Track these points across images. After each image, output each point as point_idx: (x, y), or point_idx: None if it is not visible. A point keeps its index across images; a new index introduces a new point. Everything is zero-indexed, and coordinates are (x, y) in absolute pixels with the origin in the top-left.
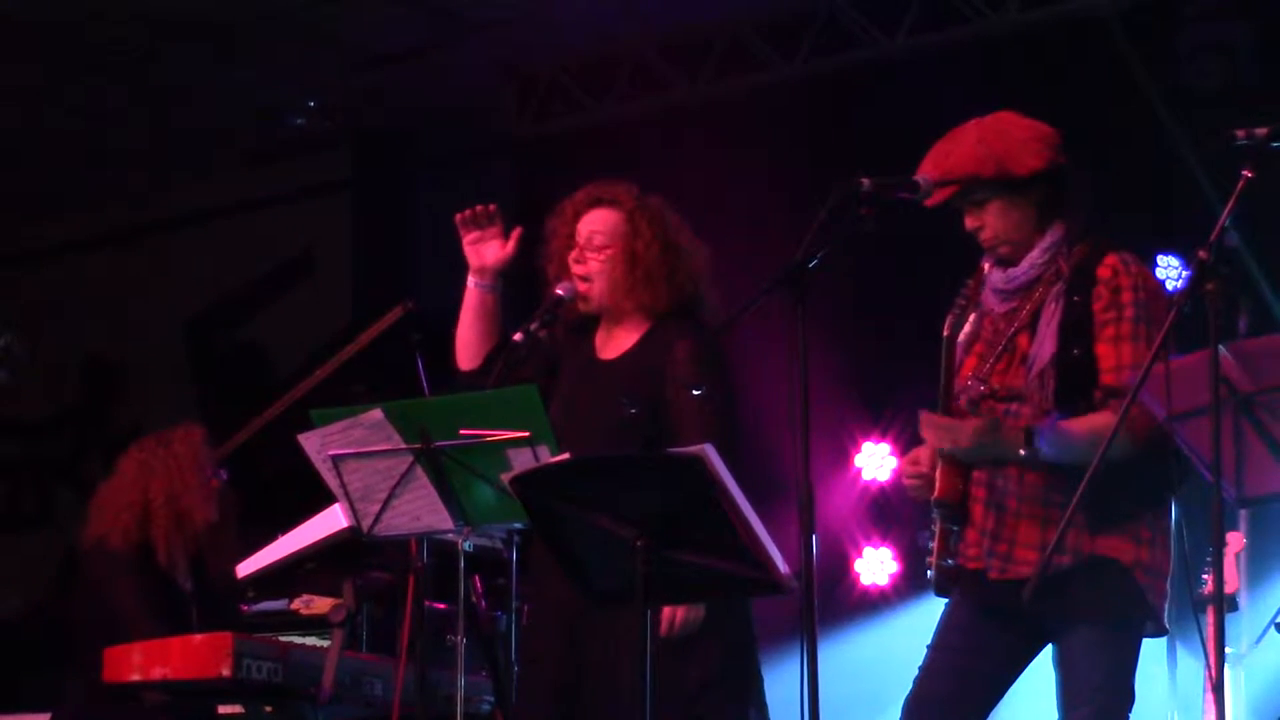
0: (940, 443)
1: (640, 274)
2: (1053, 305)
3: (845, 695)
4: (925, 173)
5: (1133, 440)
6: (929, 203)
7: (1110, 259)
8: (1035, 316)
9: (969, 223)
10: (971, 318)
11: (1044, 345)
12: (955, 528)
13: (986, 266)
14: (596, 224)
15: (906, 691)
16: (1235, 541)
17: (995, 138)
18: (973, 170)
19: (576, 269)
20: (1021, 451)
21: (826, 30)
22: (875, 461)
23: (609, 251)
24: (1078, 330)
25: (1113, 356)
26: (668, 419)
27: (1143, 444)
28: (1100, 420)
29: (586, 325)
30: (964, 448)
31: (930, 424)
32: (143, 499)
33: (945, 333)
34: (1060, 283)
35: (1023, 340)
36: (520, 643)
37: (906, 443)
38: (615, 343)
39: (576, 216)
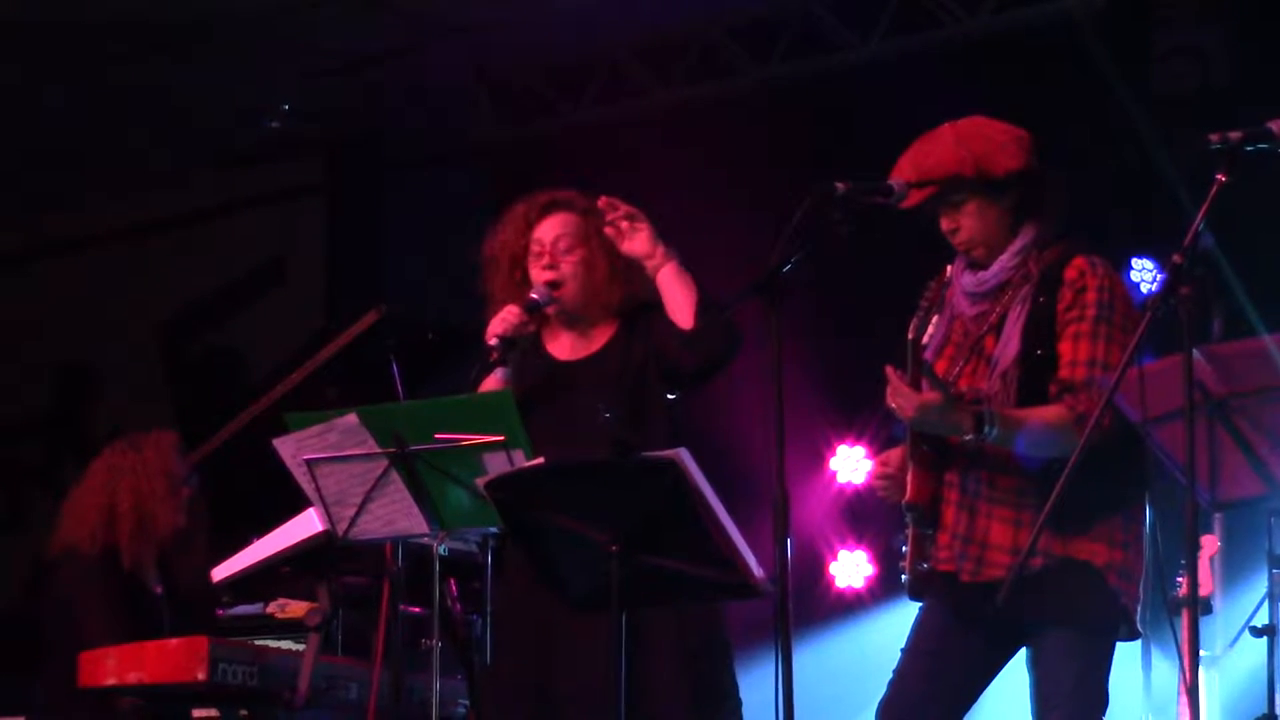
0: (890, 401)
1: (610, 271)
2: (1019, 307)
3: (820, 698)
4: (902, 175)
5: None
6: (906, 204)
7: (1078, 261)
8: (1003, 319)
9: (944, 224)
10: (935, 320)
11: (1008, 346)
12: (928, 531)
13: (950, 270)
14: (558, 228)
15: (881, 694)
16: (1210, 544)
17: (973, 138)
18: (953, 170)
19: (547, 275)
20: (968, 435)
21: (801, 34)
22: (850, 464)
23: (579, 252)
24: (1042, 331)
25: (1070, 352)
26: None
27: (1095, 443)
28: (1051, 413)
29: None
30: (908, 417)
31: (891, 385)
32: (110, 502)
33: (909, 335)
34: (1028, 285)
35: (989, 343)
36: (492, 643)
37: (881, 446)
38: (578, 345)
39: (530, 226)
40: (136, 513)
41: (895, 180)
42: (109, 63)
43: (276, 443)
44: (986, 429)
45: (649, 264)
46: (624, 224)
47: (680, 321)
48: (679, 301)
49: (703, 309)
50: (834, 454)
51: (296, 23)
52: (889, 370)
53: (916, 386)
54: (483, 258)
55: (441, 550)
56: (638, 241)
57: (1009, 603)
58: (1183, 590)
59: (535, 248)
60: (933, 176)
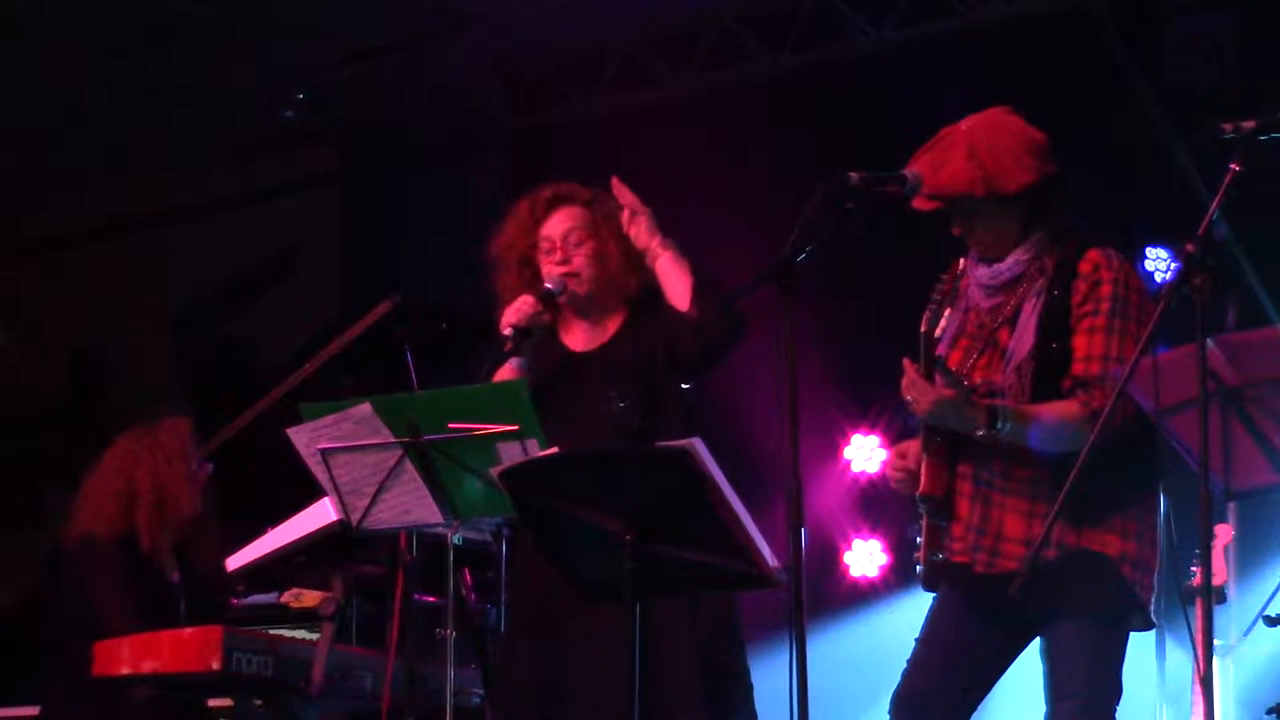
0: (905, 393)
1: (623, 259)
2: (1033, 300)
3: (834, 688)
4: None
5: (1101, 433)
6: (916, 205)
7: (1092, 254)
8: (1017, 312)
9: (956, 230)
10: (948, 312)
11: (1023, 339)
12: (942, 523)
13: (963, 262)
14: (567, 222)
15: (895, 684)
16: (1224, 534)
17: (986, 152)
18: (963, 190)
19: (561, 268)
20: (980, 431)
21: (814, 22)
22: (864, 454)
23: (591, 244)
24: (1056, 324)
25: (1085, 347)
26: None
27: (1112, 437)
28: (1064, 408)
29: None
30: (922, 411)
31: (907, 378)
32: (128, 487)
33: (922, 328)
34: (1043, 278)
35: (1004, 335)
36: (506, 632)
37: (895, 435)
38: (591, 335)
39: (538, 222)
40: (156, 495)
41: (910, 170)
42: (122, 56)
43: (291, 432)
44: (1000, 425)
45: (646, 254)
46: (624, 214)
47: (680, 308)
48: (677, 289)
49: (702, 295)
50: (848, 443)
51: (311, 12)
52: (906, 363)
53: (929, 380)
54: (490, 257)
55: (456, 540)
56: (636, 233)
57: (1023, 593)
58: (1197, 580)
59: (545, 244)
60: (943, 194)
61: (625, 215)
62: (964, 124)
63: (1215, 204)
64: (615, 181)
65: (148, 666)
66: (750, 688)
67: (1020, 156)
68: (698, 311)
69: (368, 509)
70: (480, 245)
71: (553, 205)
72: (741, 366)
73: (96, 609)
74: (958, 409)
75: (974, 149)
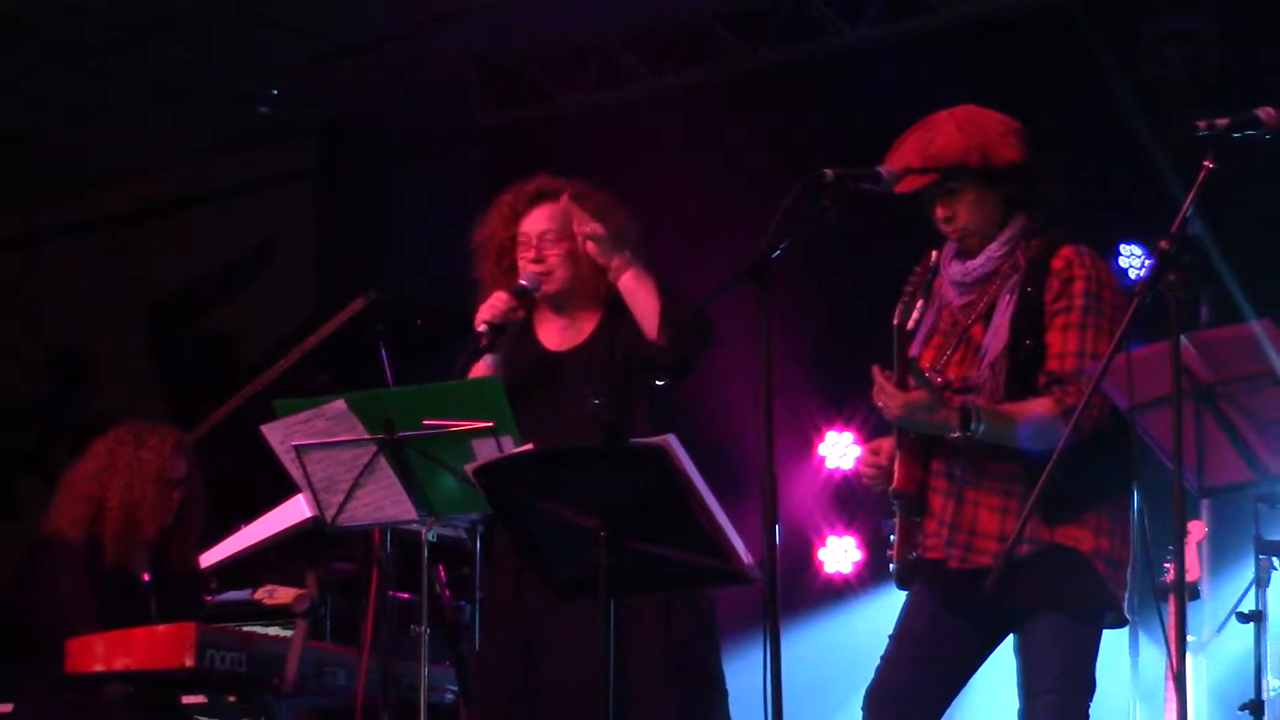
0: (876, 400)
1: (597, 264)
2: (1007, 297)
3: (808, 684)
4: (903, 160)
5: (1077, 430)
6: (903, 189)
7: (1065, 251)
8: (991, 308)
9: (940, 212)
10: (919, 305)
11: (997, 336)
12: (916, 519)
13: (935, 255)
14: (544, 221)
15: (869, 681)
16: (1197, 530)
17: (974, 129)
18: (958, 159)
19: (534, 266)
20: (955, 433)
21: (792, 20)
22: (838, 450)
23: (566, 244)
24: (1030, 321)
25: (1059, 344)
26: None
27: (1088, 434)
28: (1039, 406)
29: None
30: (894, 415)
31: (877, 383)
32: (100, 493)
33: (894, 321)
34: (1016, 275)
35: (977, 332)
36: (480, 629)
37: (870, 431)
38: (567, 334)
39: (517, 217)
40: (124, 513)
41: (885, 168)
42: (101, 49)
43: (265, 429)
44: (973, 425)
45: (608, 273)
46: (579, 235)
47: (647, 330)
48: (642, 310)
49: (668, 320)
50: (822, 439)
51: (289, 8)
52: (875, 371)
53: (901, 375)
54: (473, 246)
55: (430, 536)
56: (593, 253)
57: (997, 589)
58: (1170, 576)
59: (522, 239)
60: (938, 163)
61: (579, 238)
62: (942, 112)
63: (1189, 201)
64: (564, 202)
65: (121, 663)
66: (725, 694)
67: (1005, 135)
68: (664, 340)
69: (342, 505)
70: (457, 242)
71: (535, 200)
72: (716, 364)
73: (65, 608)
74: (929, 411)
75: (962, 126)
